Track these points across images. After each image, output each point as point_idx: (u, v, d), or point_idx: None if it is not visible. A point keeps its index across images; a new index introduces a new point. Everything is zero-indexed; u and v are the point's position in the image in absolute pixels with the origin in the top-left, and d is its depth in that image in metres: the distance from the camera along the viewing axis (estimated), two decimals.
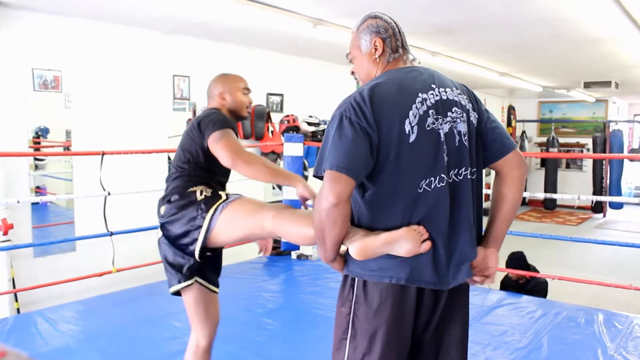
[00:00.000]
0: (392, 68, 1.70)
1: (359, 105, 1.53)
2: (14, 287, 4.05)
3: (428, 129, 1.56)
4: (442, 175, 1.57)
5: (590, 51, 6.21)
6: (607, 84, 8.93)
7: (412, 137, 1.54)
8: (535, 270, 4.97)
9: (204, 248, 2.10)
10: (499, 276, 5.08)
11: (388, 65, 1.71)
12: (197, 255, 2.11)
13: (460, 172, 1.61)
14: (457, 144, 1.60)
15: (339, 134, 1.51)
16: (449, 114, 1.61)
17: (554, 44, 5.84)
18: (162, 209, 2.18)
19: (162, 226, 2.18)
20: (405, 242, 1.51)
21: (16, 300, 4.11)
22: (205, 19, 4.67)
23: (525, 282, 4.99)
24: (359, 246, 1.52)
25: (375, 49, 1.69)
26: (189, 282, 2.21)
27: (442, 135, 1.58)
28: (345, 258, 1.62)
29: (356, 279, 1.60)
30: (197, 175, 2.20)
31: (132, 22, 4.80)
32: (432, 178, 1.55)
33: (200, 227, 2.07)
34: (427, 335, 1.65)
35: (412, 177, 1.54)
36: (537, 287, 4.90)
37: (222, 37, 5.52)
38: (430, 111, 1.57)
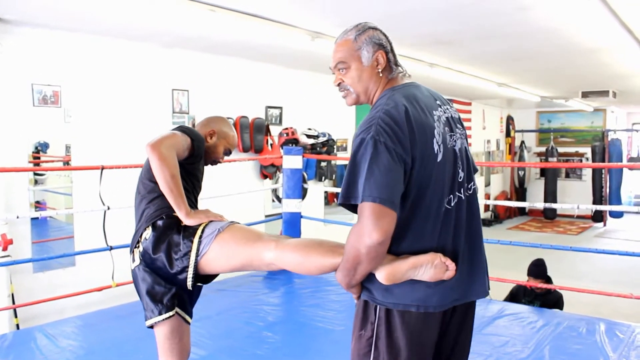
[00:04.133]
0: (396, 84, 1.61)
1: (392, 129, 1.43)
2: (14, 302, 4.04)
3: (449, 146, 1.54)
4: (459, 192, 1.56)
5: (587, 61, 6.24)
6: (605, 93, 8.98)
7: (440, 157, 1.50)
8: (551, 282, 4.88)
9: (196, 276, 1.93)
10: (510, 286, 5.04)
11: (390, 80, 1.62)
12: (189, 285, 1.94)
13: (469, 186, 1.62)
14: (465, 160, 1.61)
15: (375, 161, 1.39)
16: (456, 130, 1.61)
17: (552, 54, 5.87)
18: (146, 233, 2.00)
19: (145, 252, 1.99)
20: (431, 267, 1.48)
21: (15, 316, 4.09)
22: (204, 33, 4.69)
23: (544, 292, 4.82)
24: (388, 271, 1.47)
25: (378, 63, 1.59)
26: (170, 313, 2.02)
27: (457, 151, 1.57)
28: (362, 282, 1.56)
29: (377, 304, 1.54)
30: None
31: (131, 36, 4.83)
32: (452, 195, 1.54)
33: (188, 253, 1.91)
34: (447, 349, 1.64)
35: (439, 197, 1.51)
36: (553, 302, 4.74)
37: (221, 51, 5.55)
38: (445, 128, 1.56)
